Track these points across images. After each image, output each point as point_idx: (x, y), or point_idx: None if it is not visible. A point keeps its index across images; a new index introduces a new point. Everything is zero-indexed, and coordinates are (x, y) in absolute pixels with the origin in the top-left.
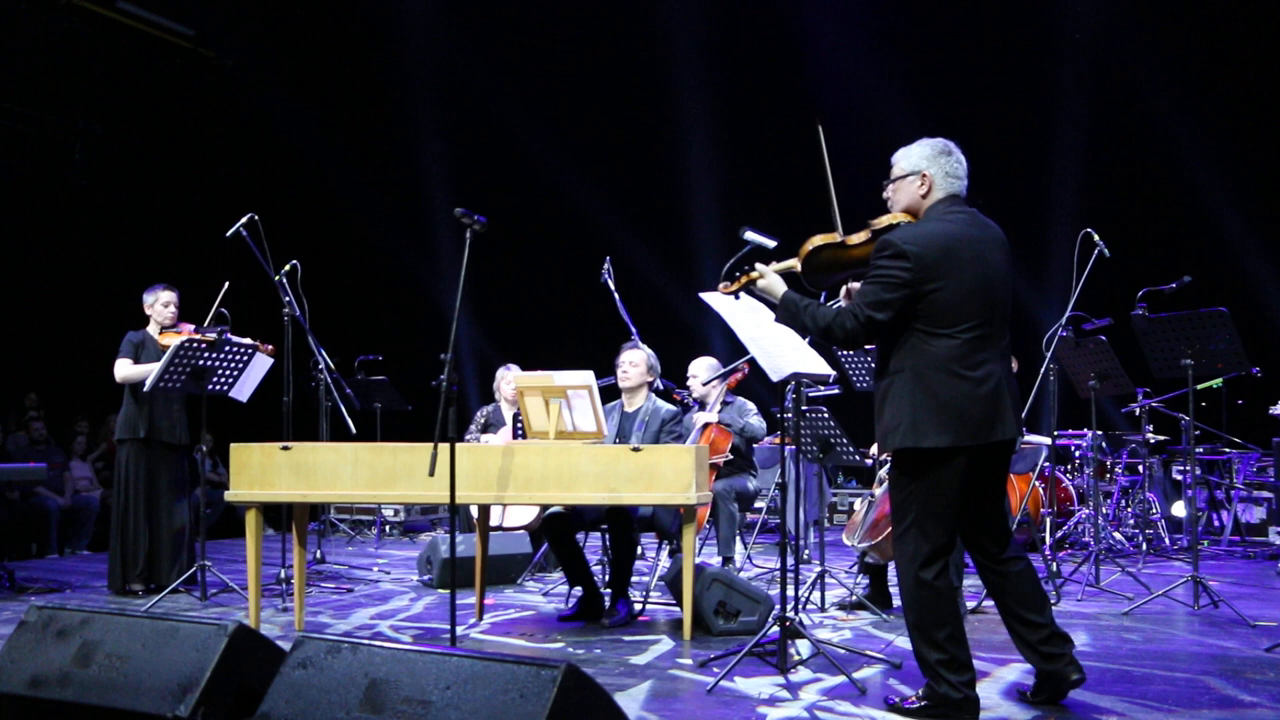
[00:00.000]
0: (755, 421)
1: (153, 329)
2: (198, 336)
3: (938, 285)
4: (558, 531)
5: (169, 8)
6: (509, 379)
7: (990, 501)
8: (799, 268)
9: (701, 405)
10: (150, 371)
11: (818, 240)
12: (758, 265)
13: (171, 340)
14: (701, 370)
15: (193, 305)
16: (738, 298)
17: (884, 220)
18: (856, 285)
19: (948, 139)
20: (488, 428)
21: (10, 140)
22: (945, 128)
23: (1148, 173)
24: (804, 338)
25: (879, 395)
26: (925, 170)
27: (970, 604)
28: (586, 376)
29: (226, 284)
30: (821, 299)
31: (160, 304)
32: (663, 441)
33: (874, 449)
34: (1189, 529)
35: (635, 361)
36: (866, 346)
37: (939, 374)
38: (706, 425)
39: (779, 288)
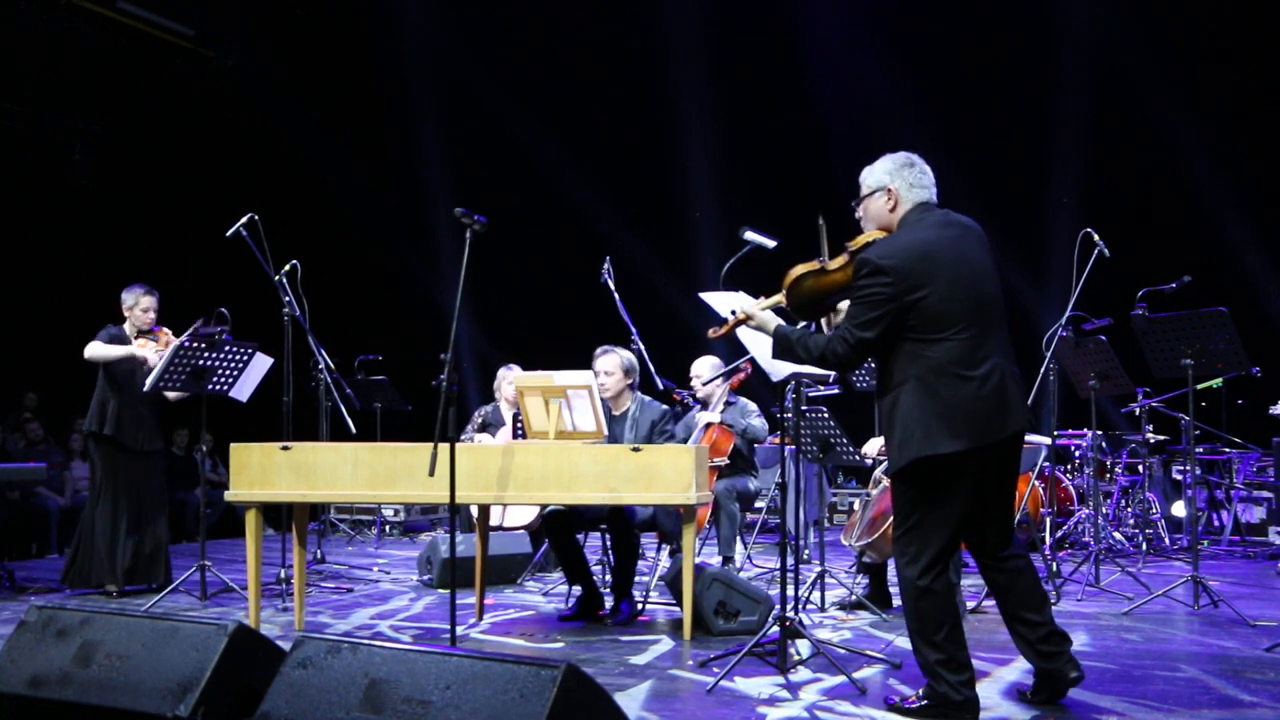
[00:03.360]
0: (757, 423)
1: (129, 329)
2: (196, 336)
3: (923, 293)
4: (558, 531)
5: (169, 8)
6: (510, 379)
7: (1000, 497)
8: (785, 301)
9: (704, 405)
10: (113, 352)
11: (798, 270)
12: (742, 307)
13: (147, 344)
14: (705, 370)
15: (192, 305)
16: (726, 338)
17: (860, 240)
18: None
19: (950, 140)
20: (485, 428)
21: (10, 140)
22: (946, 128)
23: (1147, 173)
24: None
25: (885, 411)
26: (890, 185)
27: (970, 604)
28: (586, 376)
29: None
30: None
31: (140, 309)
32: (656, 441)
33: (866, 448)
34: (1189, 529)
35: (610, 370)
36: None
37: (943, 379)
38: (709, 425)
39: (770, 324)
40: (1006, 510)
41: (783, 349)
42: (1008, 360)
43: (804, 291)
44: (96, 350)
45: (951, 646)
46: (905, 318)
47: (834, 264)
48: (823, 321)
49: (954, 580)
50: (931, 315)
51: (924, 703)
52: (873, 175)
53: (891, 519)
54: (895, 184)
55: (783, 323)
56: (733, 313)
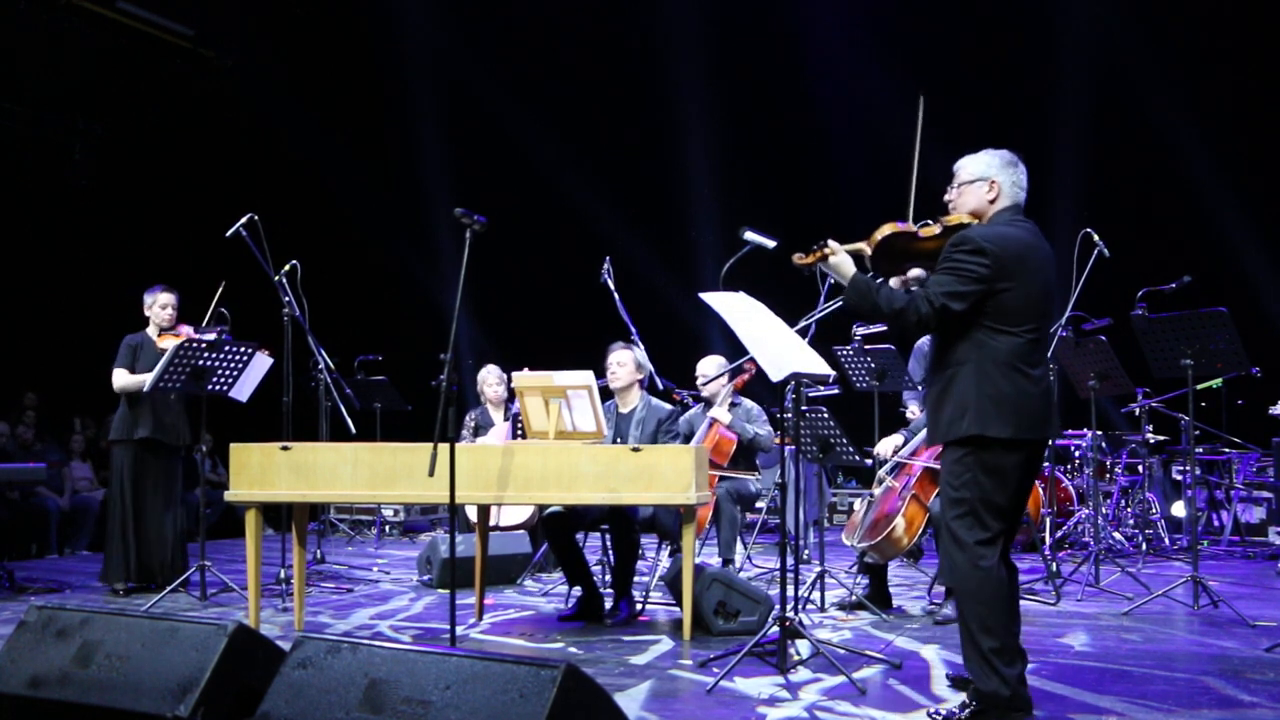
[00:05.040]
0: (764, 431)
1: (151, 330)
2: (197, 337)
3: (1008, 286)
4: (557, 531)
5: (169, 8)
6: (491, 380)
7: (1022, 499)
8: (868, 251)
9: (707, 404)
10: (137, 382)
11: (889, 229)
12: (830, 242)
13: (169, 342)
14: (710, 369)
15: (193, 305)
16: (808, 272)
17: (954, 218)
18: (915, 273)
19: (950, 140)
20: (479, 430)
21: (10, 140)
22: (945, 128)
23: (1148, 173)
24: (866, 319)
25: (938, 388)
26: (995, 178)
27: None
28: (586, 376)
29: (224, 284)
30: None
31: (158, 306)
32: (661, 441)
33: (879, 449)
34: (1189, 529)
35: (623, 361)
36: (921, 338)
37: (1002, 369)
38: (714, 422)
39: (849, 268)
40: (1020, 514)
41: (858, 294)
42: (1049, 370)
43: (892, 246)
44: (123, 381)
45: (1008, 636)
46: (984, 303)
47: (927, 232)
48: (895, 281)
49: None
50: (1007, 308)
51: (974, 707)
52: (976, 164)
53: (895, 523)
54: (1000, 178)
55: (859, 272)
56: (823, 243)
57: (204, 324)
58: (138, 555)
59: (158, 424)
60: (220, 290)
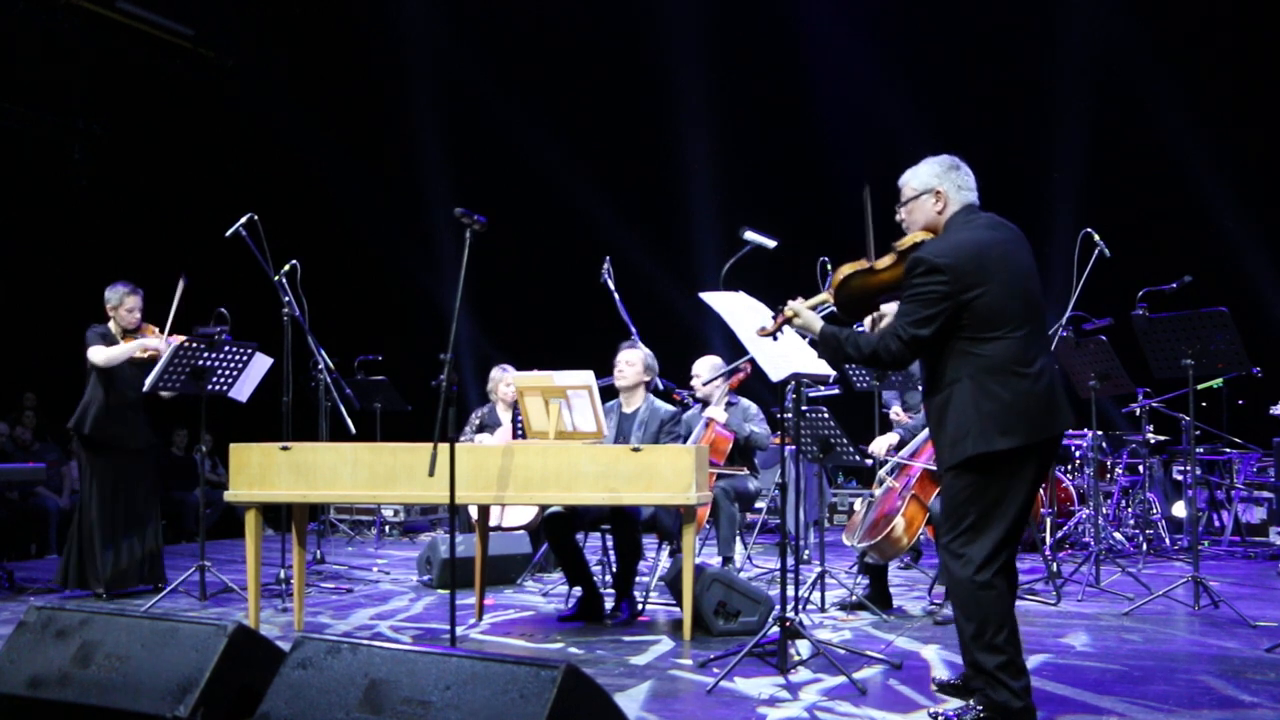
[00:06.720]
0: (760, 430)
1: (114, 328)
2: (194, 336)
3: (978, 292)
4: (558, 532)
5: (169, 8)
6: (506, 380)
7: (1032, 498)
8: (832, 300)
9: (704, 405)
10: (124, 351)
11: (846, 270)
12: (790, 304)
13: (134, 342)
14: (705, 369)
15: (194, 305)
16: (775, 339)
17: (907, 241)
18: (890, 307)
19: (950, 141)
20: (483, 429)
21: (10, 140)
22: (945, 128)
23: (1148, 173)
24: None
25: (935, 409)
26: (938, 187)
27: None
28: (586, 376)
29: (183, 283)
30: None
31: (125, 309)
32: (662, 442)
33: (873, 447)
34: (1189, 529)
35: (632, 361)
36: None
37: (999, 376)
38: (710, 421)
39: (815, 324)
40: (1026, 516)
41: (829, 348)
42: (1051, 359)
43: (852, 290)
44: (106, 355)
45: (1011, 649)
46: (958, 317)
47: (882, 263)
48: (868, 321)
49: None
50: (984, 315)
51: (980, 713)
52: (919, 178)
53: (894, 522)
54: (944, 186)
55: (827, 324)
56: (780, 309)
57: (169, 325)
58: (80, 558)
59: (103, 423)
60: (181, 287)
